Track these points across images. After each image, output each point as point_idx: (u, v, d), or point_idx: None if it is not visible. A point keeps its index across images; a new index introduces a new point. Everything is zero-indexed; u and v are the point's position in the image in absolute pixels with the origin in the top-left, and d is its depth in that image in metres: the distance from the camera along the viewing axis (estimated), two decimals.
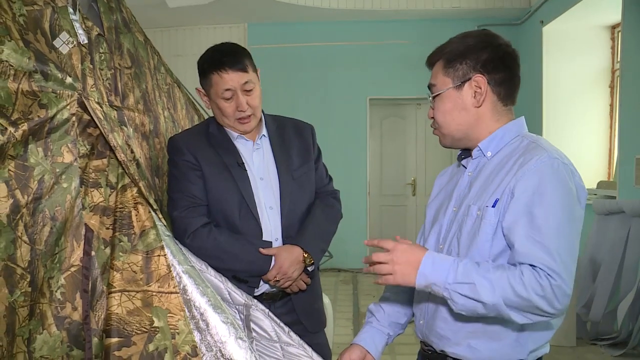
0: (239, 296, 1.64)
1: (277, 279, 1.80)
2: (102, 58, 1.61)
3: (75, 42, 1.47)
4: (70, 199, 1.42)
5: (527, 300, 1.22)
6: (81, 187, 1.45)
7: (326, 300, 2.55)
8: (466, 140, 1.45)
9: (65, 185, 1.40)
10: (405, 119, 7.76)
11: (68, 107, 1.40)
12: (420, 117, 7.60)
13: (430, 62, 1.48)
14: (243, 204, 1.82)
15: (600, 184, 5.27)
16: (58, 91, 1.37)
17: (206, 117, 2.32)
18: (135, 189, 1.52)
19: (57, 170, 1.38)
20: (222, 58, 1.81)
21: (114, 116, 1.59)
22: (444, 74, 1.42)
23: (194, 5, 6.32)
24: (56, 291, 1.38)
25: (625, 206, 4.31)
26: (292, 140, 1.96)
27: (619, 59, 5.15)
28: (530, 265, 1.23)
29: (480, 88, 1.39)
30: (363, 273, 7.02)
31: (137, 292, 1.44)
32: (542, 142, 1.37)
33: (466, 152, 1.50)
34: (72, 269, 1.42)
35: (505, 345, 1.35)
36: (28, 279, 1.29)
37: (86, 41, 1.52)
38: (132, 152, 1.57)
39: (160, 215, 1.56)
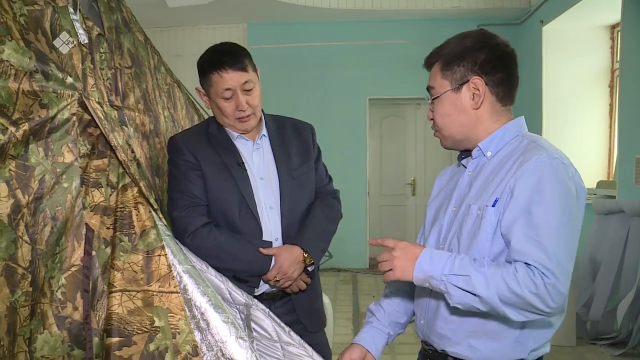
0: (240, 296, 1.64)
1: (277, 279, 1.80)
2: (103, 58, 1.61)
3: (75, 42, 1.47)
4: (71, 198, 1.42)
5: (521, 298, 1.22)
6: (82, 186, 1.45)
7: (326, 300, 2.55)
8: (466, 142, 1.46)
9: (65, 185, 1.40)
10: (405, 119, 7.77)
11: (69, 106, 1.41)
12: (420, 117, 7.61)
13: (428, 63, 1.48)
14: (243, 203, 1.82)
15: (600, 184, 5.28)
16: (59, 91, 1.37)
17: (206, 117, 2.32)
18: (135, 189, 1.52)
19: (58, 170, 1.38)
20: (222, 58, 1.81)
21: (115, 116, 1.59)
22: (442, 76, 1.42)
23: (193, 5, 6.32)
24: (57, 291, 1.38)
25: (625, 206, 4.31)
26: (292, 140, 1.96)
27: (618, 59, 5.15)
28: (525, 263, 1.24)
29: (479, 90, 1.39)
30: (363, 273, 7.03)
31: (138, 291, 1.44)
32: (542, 141, 1.38)
33: (466, 152, 1.51)
34: (73, 269, 1.42)
35: (506, 345, 1.36)
36: (29, 279, 1.30)
37: (87, 41, 1.52)
38: (132, 151, 1.57)
39: (161, 215, 1.56)
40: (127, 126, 1.65)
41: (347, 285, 6.38)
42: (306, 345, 1.65)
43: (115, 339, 1.39)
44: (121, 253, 1.45)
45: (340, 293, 6.03)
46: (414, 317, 1.60)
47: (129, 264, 1.45)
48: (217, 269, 1.67)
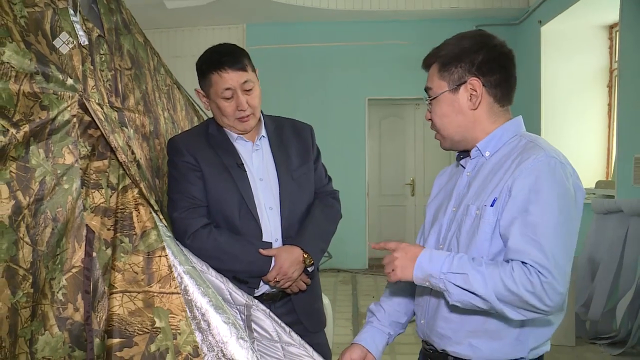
0: (240, 296, 1.65)
1: (277, 280, 1.81)
2: (103, 59, 1.61)
3: (75, 43, 1.48)
4: (72, 200, 1.42)
5: (518, 296, 1.23)
6: (82, 188, 1.46)
7: (325, 300, 2.56)
8: (465, 142, 1.46)
9: (66, 186, 1.41)
10: (404, 119, 7.77)
11: (69, 108, 1.41)
12: (419, 117, 7.61)
13: (426, 64, 1.48)
14: (243, 204, 1.82)
15: (599, 184, 5.28)
16: (59, 92, 1.37)
17: (205, 118, 2.33)
18: (136, 190, 1.52)
19: (59, 171, 1.39)
20: (222, 58, 1.82)
21: (115, 117, 1.59)
22: (440, 77, 1.43)
23: (192, 6, 6.32)
24: (58, 292, 1.38)
25: (624, 205, 4.32)
26: (291, 141, 1.96)
27: (617, 59, 5.16)
28: (522, 262, 1.25)
29: (476, 91, 1.39)
30: (362, 273, 7.03)
31: (139, 292, 1.44)
32: (540, 141, 1.38)
33: (464, 152, 1.51)
34: (74, 270, 1.42)
35: (506, 344, 1.36)
36: (30, 280, 1.30)
37: (87, 42, 1.52)
38: (132, 153, 1.57)
39: (162, 216, 1.57)
40: (127, 127, 1.65)
41: (346, 286, 6.38)
42: (306, 346, 1.65)
43: (116, 340, 1.39)
44: (122, 254, 1.45)
45: (340, 293, 6.03)
46: (414, 317, 1.61)
47: (129, 265, 1.45)
48: (218, 270, 1.67)
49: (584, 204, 1.36)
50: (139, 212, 1.50)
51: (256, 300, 1.69)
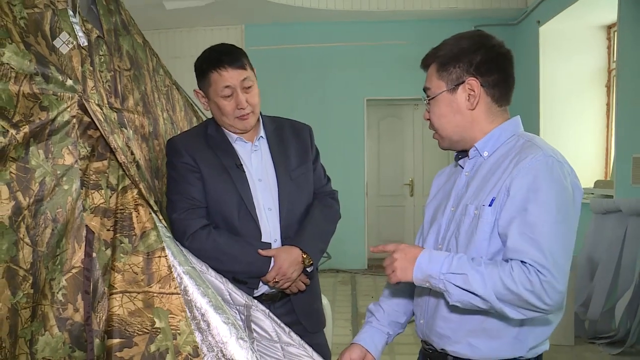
0: (240, 297, 1.65)
1: (277, 280, 1.81)
2: (102, 60, 1.61)
3: (75, 44, 1.48)
4: (71, 200, 1.42)
5: (517, 295, 1.23)
6: (82, 188, 1.46)
7: (325, 301, 2.56)
8: (463, 142, 1.47)
9: (66, 187, 1.41)
10: (403, 120, 7.78)
11: (69, 109, 1.41)
12: (418, 118, 7.62)
13: (425, 64, 1.49)
14: (242, 205, 1.82)
15: (597, 183, 5.29)
16: (59, 93, 1.37)
17: (204, 119, 2.33)
18: (135, 191, 1.52)
19: (58, 172, 1.39)
20: (221, 57, 1.82)
21: (114, 118, 1.59)
22: (438, 77, 1.44)
23: (191, 7, 6.32)
24: (58, 293, 1.38)
25: (622, 205, 4.33)
26: (290, 141, 1.97)
27: (615, 59, 5.16)
28: (521, 261, 1.25)
29: (474, 91, 1.40)
30: (361, 274, 7.03)
31: (139, 293, 1.44)
32: (538, 140, 1.39)
33: (463, 152, 1.52)
34: (74, 271, 1.42)
35: (505, 343, 1.37)
36: (30, 281, 1.30)
37: (86, 43, 1.53)
38: (132, 153, 1.58)
39: (161, 217, 1.57)
40: (126, 128, 1.65)
41: (345, 286, 6.39)
42: (306, 346, 1.65)
43: (116, 340, 1.39)
44: (121, 255, 1.45)
45: (339, 294, 6.03)
46: (414, 316, 1.61)
47: (129, 265, 1.45)
48: (217, 271, 1.67)
49: (582, 203, 1.36)
50: (138, 213, 1.50)
51: (256, 301, 1.69)
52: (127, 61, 1.80)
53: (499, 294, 1.25)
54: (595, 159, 5.86)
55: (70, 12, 1.48)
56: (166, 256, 1.49)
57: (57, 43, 1.42)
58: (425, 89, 1.48)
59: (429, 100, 1.47)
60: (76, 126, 1.44)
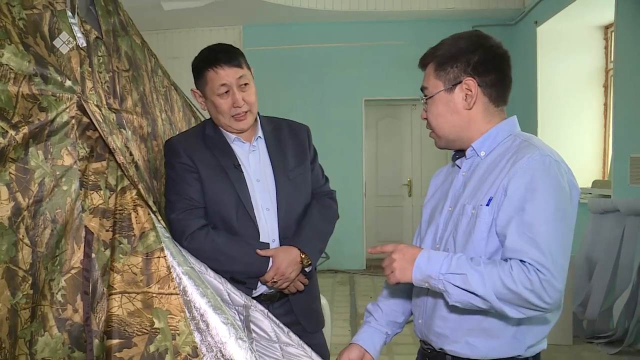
0: (239, 297, 1.65)
1: (275, 280, 1.81)
2: (101, 61, 1.62)
3: (74, 44, 1.48)
4: (70, 201, 1.42)
5: (517, 294, 1.24)
6: (81, 189, 1.46)
7: (323, 301, 2.56)
8: (460, 142, 1.47)
9: (65, 187, 1.41)
10: (401, 120, 7.78)
11: (67, 110, 1.41)
12: (416, 118, 7.63)
13: (423, 64, 1.49)
14: (240, 205, 1.82)
15: (595, 183, 5.30)
16: (58, 94, 1.38)
17: (203, 119, 2.33)
18: (134, 191, 1.53)
19: (57, 172, 1.39)
20: (217, 55, 1.83)
21: (113, 119, 1.60)
22: (436, 77, 1.44)
23: (189, 7, 6.32)
24: (57, 293, 1.38)
25: (620, 205, 4.33)
26: (288, 142, 1.97)
27: (612, 59, 5.18)
28: (520, 260, 1.26)
29: (471, 91, 1.41)
30: (360, 274, 7.03)
31: (138, 293, 1.44)
32: (535, 140, 1.40)
33: (460, 152, 1.52)
34: (73, 271, 1.42)
35: (504, 342, 1.37)
36: (30, 281, 1.30)
37: (85, 44, 1.53)
38: (130, 154, 1.58)
39: (160, 217, 1.57)
40: (125, 129, 1.65)
41: (344, 287, 6.39)
42: (305, 346, 1.66)
43: (115, 341, 1.39)
44: (120, 255, 1.46)
45: (338, 294, 6.03)
46: (412, 316, 1.61)
47: (128, 266, 1.45)
48: (215, 271, 1.67)
49: (580, 203, 1.37)
50: (137, 213, 1.51)
51: (254, 301, 1.69)
52: (125, 62, 1.80)
53: (499, 294, 1.25)
54: (592, 159, 5.87)
55: (69, 13, 1.49)
56: (165, 257, 1.49)
57: (57, 43, 1.42)
58: (422, 89, 1.49)
59: (426, 99, 1.47)
60: (75, 127, 1.45)
